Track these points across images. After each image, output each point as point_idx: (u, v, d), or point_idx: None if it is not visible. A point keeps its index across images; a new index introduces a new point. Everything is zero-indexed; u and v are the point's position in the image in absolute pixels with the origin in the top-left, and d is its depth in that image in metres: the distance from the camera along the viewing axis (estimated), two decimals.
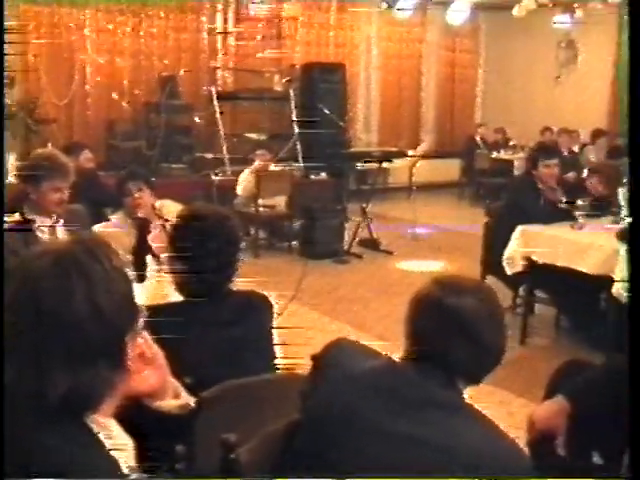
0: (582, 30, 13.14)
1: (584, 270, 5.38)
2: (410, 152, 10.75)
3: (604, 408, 2.71)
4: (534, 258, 5.69)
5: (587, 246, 5.47)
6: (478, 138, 13.47)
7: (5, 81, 7.61)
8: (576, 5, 11.64)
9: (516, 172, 11.35)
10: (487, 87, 15.31)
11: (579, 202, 5.79)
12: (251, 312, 2.70)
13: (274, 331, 2.79)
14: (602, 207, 6.05)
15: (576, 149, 11.41)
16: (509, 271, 5.83)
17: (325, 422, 1.82)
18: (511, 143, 13.16)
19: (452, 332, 1.84)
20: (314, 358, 2.13)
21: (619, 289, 5.15)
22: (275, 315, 2.82)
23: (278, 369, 2.70)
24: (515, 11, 12.26)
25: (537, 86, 14.24)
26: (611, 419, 2.64)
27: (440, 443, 1.70)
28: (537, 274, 5.78)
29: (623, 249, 5.18)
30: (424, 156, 12.05)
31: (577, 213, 5.72)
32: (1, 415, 1.31)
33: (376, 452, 1.72)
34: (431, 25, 14.30)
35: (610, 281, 5.21)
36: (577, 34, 13.51)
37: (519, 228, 5.78)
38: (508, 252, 5.80)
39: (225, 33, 11.66)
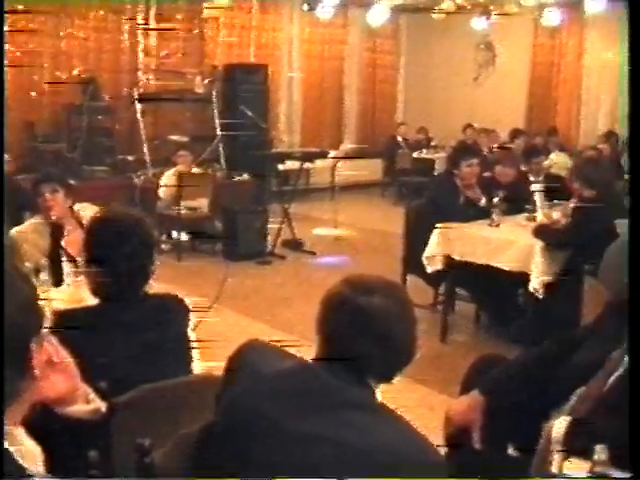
0: (500, 32, 13.41)
1: (501, 266, 5.49)
2: (332, 152, 10.79)
3: (518, 401, 2.78)
4: (453, 256, 5.78)
5: (504, 243, 5.59)
6: (400, 138, 13.63)
7: None
8: (492, 8, 11.86)
9: (437, 171, 11.51)
10: (408, 88, 15.49)
11: (495, 200, 5.90)
12: (167, 315, 2.68)
13: (193, 334, 2.77)
14: (517, 204, 6.19)
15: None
16: (429, 269, 5.90)
17: (236, 424, 1.82)
18: (432, 143, 13.36)
19: (362, 331, 1.85)
20: (227, 360, 2.13)
21: (535, 284, 5.28)
22: (193, 318, 2.80)
23: (195, 372, 2.69)
24: (434, 14, 12.45)
25: (457, 87, 14.47)
26: (525, 412, 2.71)
27: (353, 443, 1.71)
28: (457, 272, 5.88)
29: (538, 245, 5.32)
30: (346, 156, 12.10)
31: (493, 211, 5.83)
32: (1, 415, 1.28)
33: (289, 454, 1.72)
34: (353, 27, 14.40)
35: (526, 276, 5.34)
36: (495, 36, 13.77)
37: (439, 226, 5.86)
38: (428, 250, 5.87)
39: (146, 34, 11.52)
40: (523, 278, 5.38)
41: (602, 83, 12.86)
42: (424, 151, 13.09)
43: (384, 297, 1.89)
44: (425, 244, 5.90)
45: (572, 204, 5.80)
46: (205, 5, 11.65)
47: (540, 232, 5.46)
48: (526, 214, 6.07)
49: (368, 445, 1.71)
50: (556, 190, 6.61)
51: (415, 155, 13.05)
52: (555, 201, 6.33)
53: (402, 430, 1.79)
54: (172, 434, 2.08)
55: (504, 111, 13.52)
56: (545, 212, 6.04)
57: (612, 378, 2.53)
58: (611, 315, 2.79)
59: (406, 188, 12.30)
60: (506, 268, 5.47)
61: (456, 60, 14.39)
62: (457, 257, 5.75)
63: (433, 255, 5.85)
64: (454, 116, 13.76)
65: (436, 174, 11.02)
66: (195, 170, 9.34)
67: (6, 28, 9.89)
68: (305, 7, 12.52)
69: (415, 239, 6.16)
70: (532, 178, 7.07)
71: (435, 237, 5.86)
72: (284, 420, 1.75)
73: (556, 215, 5.95)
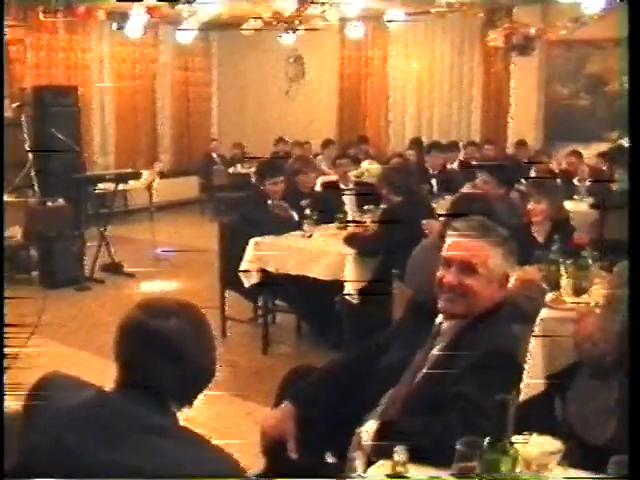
0: (308, 46, 13.67)
1: (316, 276, 5.59)
2: (146, 172, 10.61)
3: (330, 408, 2.83)
4: (268, 269, 5.83)
5: (317, 253, 5.70)
6: (214, 154, 13.62)
7: None
8: (298, 23, 12.06)
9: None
10: (222, 104, 15.50)
11: (307, 212, 6.01)
12: None
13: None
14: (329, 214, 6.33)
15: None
16: (246, 283, 5.92)
17: (35, 457, 1.77)
18: (248, 157, 13.41)
19: (159, 355, 1.85)
20: (25, 395, 2.05)
21: (349, 291, 5.42)
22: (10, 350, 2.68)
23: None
24: (243, 30, 12.51)
25: (270, 101, 14.64)
26: (338, 418, 2.76)
27: (155, 469, 1.69)
28: (273, 284, 5.93)
29: (350, 253, 5.46)
30: (162, 175, 11.94)
31: (304, 222, 5.92)
32: (1, 415, 1.18)
33: None
34: (164, 45, 14.22)
35: (341, 284, 5.46)
36: (304, 50, 14.02)
37: (252, 241, 5.89)
38: (243, 265, 5.89)
39: None
40: (338, 286, 5.50)
41: (407, 91, 13.39)
42: (239, 166, 13.13)
43: (179, 319, 1.89)
44: (241, 259, 5.91)
45: (381, 210, 6.02)
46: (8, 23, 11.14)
47: (351, 240, 5.61)
48: (337, 223, 6.20)
49: (170, 471, 1.69)
50: (367, 197, 6.83)
51: (231, 171, 13.09)
52: (366, 207, 6.53)
53: (204, 452, 1.79)
54: None
55: (316, 122, 13.81)
56: (356, 220, 6.22)
57: (417, 378, 2.62)
58: (412, 314, 2.90)
59: (223, 204, 12.30)
60: (321, 277, 5.57)
61: (267, 75, 14.56)
62: (272, 270, 5.81)
63: (249, 269, 5.88)
64: (268, 130, 13.91)
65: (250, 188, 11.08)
66: (7, 198, 8.92)
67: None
68: (114, 26, 12.25)
69: (231, 255, 6.16)
70: (342, 186, 7.27)
71: (249, 251, 5.89)
72: (86, 451, 1.72)
73: (366, 222, 6.15)
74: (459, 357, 2.44)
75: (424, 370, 2.60)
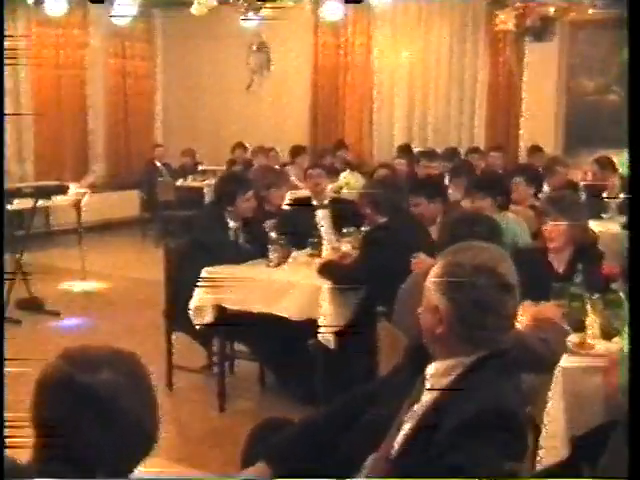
0: (274, 31, 13.76)
1: (284, 314, 5.57)
2: (73, 185, 10.56)
3: (306, 465, 2.85)
4: (225, 305, 5.81)
5: (285, 286, 5.68)
6: (159, 163, 13.62)
7: None
8: (261, 1, 12.10)
9: (208, 201, 11.55)
10: (169, 101, 15.55)
11: (273, 235, 6.00)
12: None
13: None
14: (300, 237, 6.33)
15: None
16: (198, 323, 5.90)
17: None
18: (200, 168, 13.42)
19: (87, 418, 1.84)
20: None
21: (325, 333, 5.40)
22: None
23: None
24: (194, 9, 12.53)
25: (228, 97, 14.70)
26: (322, 477, 2.78)
27: None
28: (232, 324, 5.90)
29: (325, 285, 5.45)
30: (93, 189, 11.89)
31: (270, 247, 5.91)
32: (1, 415, 1.16)
33: None
34: (94, 26, 14.21)
35: (315, 324, 5.45)
36: (269, 35, 14.12)
37: (206, 270, 5.88)
38: (195, 300, 5.87)
39: None
40: (311, 326, 5.49)
41: (395, 87, 13.48)
42: (189, 178, 13.15)
43: (112, 371, 1.89)
44: (191, 293, 5.89)
45: (363, 233, 6.02)
46: None
47: (325, 270, 5.60)
48: (310, 249, 6.20)
49: None
50: (346, 217, 6.84)
51: (179, 183, 13.09)
52: (345, 230, 6.53)
53: None
54: None
55: (284, 124, 13.87)
56: (332, 245, 6.22)
57: (400, 436, 2.64)
58: (409, 363, 2.91)
59: (170, 224, 12.27)
60: (290, 316, 5.56)
61: (224, 65, 14.64)
62: (230, 306, 5.79)
63: (201, 306, 5.85)
64: (225, 133, 13.95)
65: (205, 206, 11.06)
66: None
67: None
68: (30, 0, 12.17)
69: (179, 288, 6.14)
70: (316, 203, 7.28)
71: (203, 283, 5.86)
72: None
73: (345, 247, 6.15)
74: (450, 414, 2.45)
75: (408, 428, 2.62)
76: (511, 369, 2.62)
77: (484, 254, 2.58)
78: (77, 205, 10.96)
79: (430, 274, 2.60)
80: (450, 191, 7.56)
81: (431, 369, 2.64)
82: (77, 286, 9.57)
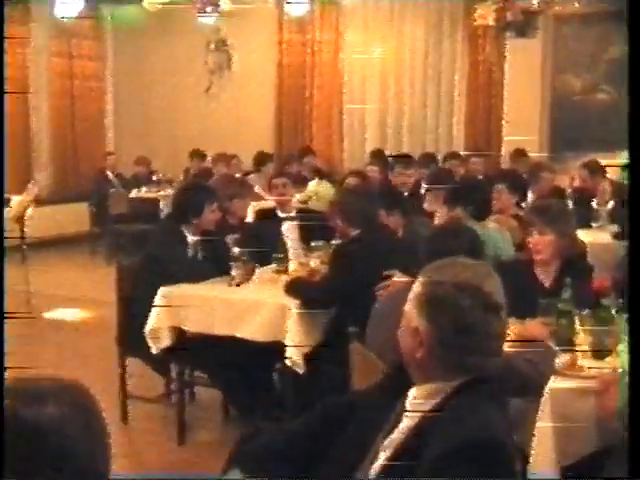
0: (235, 27, 13.77)
1: (248, 337, 5.56)
2: (16, 197, 10.50)
3: (285, 471, 2.85)
4: (185, 328, 5.79)
5: (250, 306, 5.67)
6: (110, 173, 13.56)
7: None
8: None
9: (164, 214, 11.51)
10: (120, 104, 15.49)
11: (235, 251, 5.99)
12: None
13: None
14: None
15: None
16: (154, 348, 5.86)
17: None
18: (155, 177, 13.37)
19: (31, 456, 1.82)
20: None
21: (292, 356, 5.39)
22: None
23: None
24: (146, 3, 12.53)
25: (185, 101, 14.71)
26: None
27: None
28: (191, 348, 5.88)
29: (293, 305, 5.45)
30: (38, 201, 11.81)
31: (232, 265, 5.90)
32: (1, 415, 1.10)
33: None
34: (37, 22, 14.13)
35: (281, 348, 5.44)
36: (230, 33, 14.13)
37: (163, 290, 5.85)
38: (150, 323, 5.83)
39: None
40: (278, 350, 5.48)
41: (367, 87, 13.52)
42: (143, 189, 13.10)
43: (58, 405, 1.86)
44: (147, 315, 5.86)
45: (334, 247, 6.02)
46: None
47: (293, 288, 5.60)
48: (275, 265, 6.19)
49: None
50: (315, 229, 6.84)
51: (133, 194, 13.04)
52: (313, 244, 6.53)
53: None
54: None
55: (246, 130, 13.86)
56: (300, 260, 6.22)
57: (377, 464, 2.64)
58: (388, 385, 2.91)
59: (123, 240, 12.22)
60: (254, 339, 5.55)
61: (181, 65, 14.62)
62: (189, 329, 5.77)
63: (157, 329, 5.82)
64: (183, 140, 13.94)
65: (162, 219, 11.02)
66: None
67: None
68: None
69: (133, 309, 6.11)
70: (281, 215, 7.27)
71: (159, 304, 5.84)
72: None
73: (314, 263, 6.15)
74: (432, 443, 2.44)
75: (386, 455, 2.62)
76: (497, 394, 2.62)
77: (468, 271, 2.58)
78: (19, 219, 10.89)
79: (409, 293, 2.60)
80: (426, 202, 7.56)
81: (411, 394, 2.64)
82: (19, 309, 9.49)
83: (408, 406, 2.66)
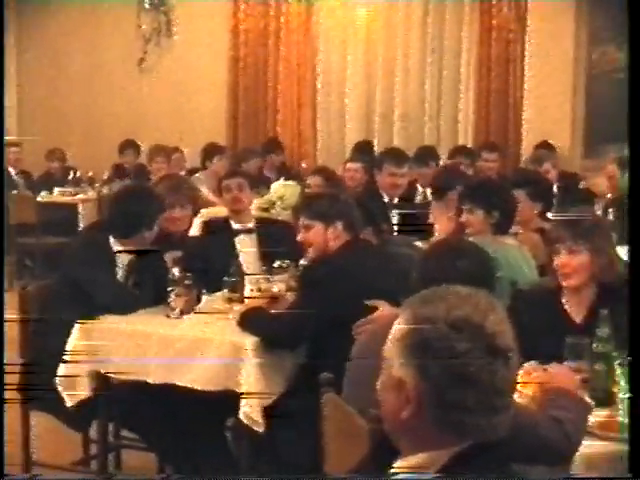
0: None
1: (191, 385, 5.56)
2: None
3: None
4: (108, 373, 5.77)
5: (194, 343, 5.67)
6: (13, 169, 13.51)
7: None
8: None
9: (85, 222, 11.50)
10: (25, 82, 15.41)
11: (176, 272, 5.98)
12: None
13: None
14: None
15: None
16: (69, 400, 5.85)
17: None
18: (72, 175, 13.33)
19: None
20: None
21: (248, 409, 5.39)
22: None
23: None
24: None
25: (112, 78, 14.67)
26: None
27: None
28: (117, 400, 5.88)
29: (249, 342, 5.45)
30: None
31: (172, 291, 5.89)
32: (1, 415, 1.19)
33: None
34: None
35: (235, 399, 5.44)
36: None
37: (80, 323, 5.83)
38: (64, 367, 5.82)
39: None
40: (230, 401, 5.48)
41: (348, 62, 13.53)
42: (56, 190, 13.06)
43: None
44: (59, 356, 5.85)
45: (302, 268, 6.04)
46: None
47: (248, 321, 5.61)
48: (227, 291, 6.18)
49: None
50: (279, 245, 6.85)
51: (42, 198, 12.98)
52: (277, 264, 6.54)
53: None
54: None
55: (192, 115, 13.87)
56: (259, 285, 6.23)
57: None
58: (373, 456, 2.92)
59: (29, 257, 12.19)
60: (200, 387, 5.55)
61: (105, 31, 14.58)
62: (115, 375, 5.76)
63: (73, 374, 5.81)
64: (109, 128, 13.94)
65: (82, 229, 11.01)
66: None
67: None
68: None
69: (41, 348, 6.10)
70: (236, 226, 7.29)
71: (74, 341, 5.83)
72: None
73: (277, 288, 6.15)
74: None
75: None
76: (508, 464, 2.61)
77: (465, 304, 2.53)
78: None
79: (391, 333, 2.59)
80: (432, 209, 7.57)
81: (397, 467, 2.63)
82: None
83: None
